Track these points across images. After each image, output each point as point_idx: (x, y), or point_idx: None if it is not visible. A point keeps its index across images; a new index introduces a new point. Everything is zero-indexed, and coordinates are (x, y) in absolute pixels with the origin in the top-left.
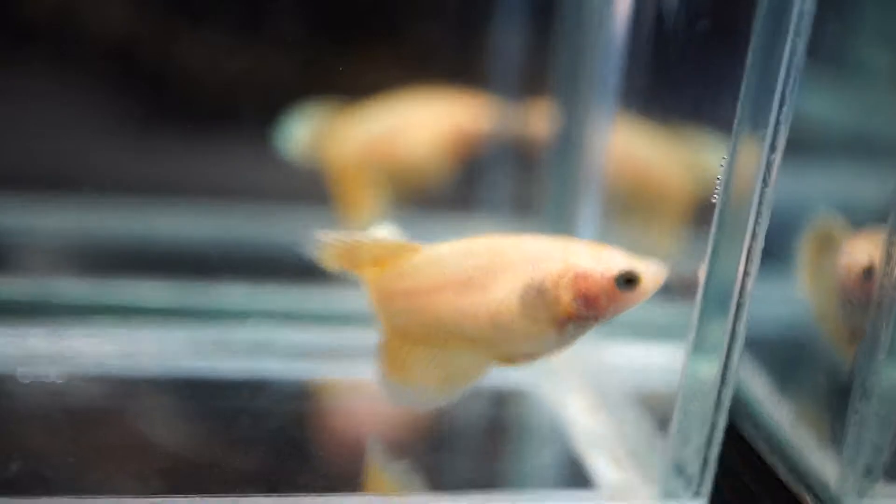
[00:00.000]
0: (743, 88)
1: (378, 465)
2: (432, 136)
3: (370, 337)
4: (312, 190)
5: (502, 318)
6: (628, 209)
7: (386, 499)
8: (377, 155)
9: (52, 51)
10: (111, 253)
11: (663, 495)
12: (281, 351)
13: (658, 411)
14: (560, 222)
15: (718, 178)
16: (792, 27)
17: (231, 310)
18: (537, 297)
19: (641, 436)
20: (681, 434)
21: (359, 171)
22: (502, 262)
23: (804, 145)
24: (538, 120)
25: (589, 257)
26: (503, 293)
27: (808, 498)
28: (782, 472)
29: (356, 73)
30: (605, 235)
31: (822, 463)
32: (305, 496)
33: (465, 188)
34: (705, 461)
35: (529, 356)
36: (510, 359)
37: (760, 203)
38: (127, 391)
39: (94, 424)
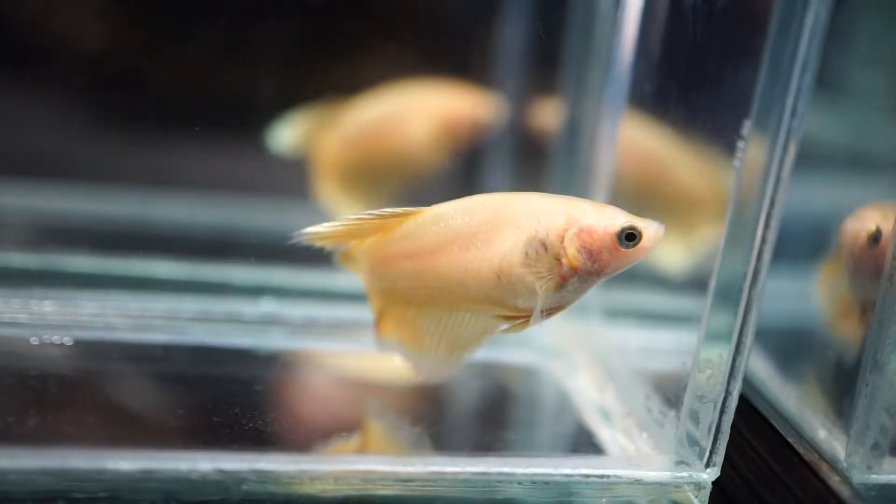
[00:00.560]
0: (758, 85)
1: (389, 431)
2: (426, 124)
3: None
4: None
5: (505, 272)
6: (637, 205)
7: (406, 460)
8: (370, 143)
9: None
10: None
11: (677, 464)
12: (290, 324)
13: (667, 389)
14: None
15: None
16: (807, 27)
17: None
18: (541, 251)
19: (652, 411)
20: (694, 403)
21: (351, 159)
22: (506, 216)
23: (802, 161)
24: (543, 114)
25: (593, 213)
26: (507, 246)
27: (822, 467)
28: (795, 443)
29: (361, 70)
30: None
31: (830, 441)
32: (312, 455)
33: (468, 183)
34: (718, 431)
35: (532, 315)
36: (513, 317)
37: (774, 195)
38: (134, 355)
39: (99, 384)
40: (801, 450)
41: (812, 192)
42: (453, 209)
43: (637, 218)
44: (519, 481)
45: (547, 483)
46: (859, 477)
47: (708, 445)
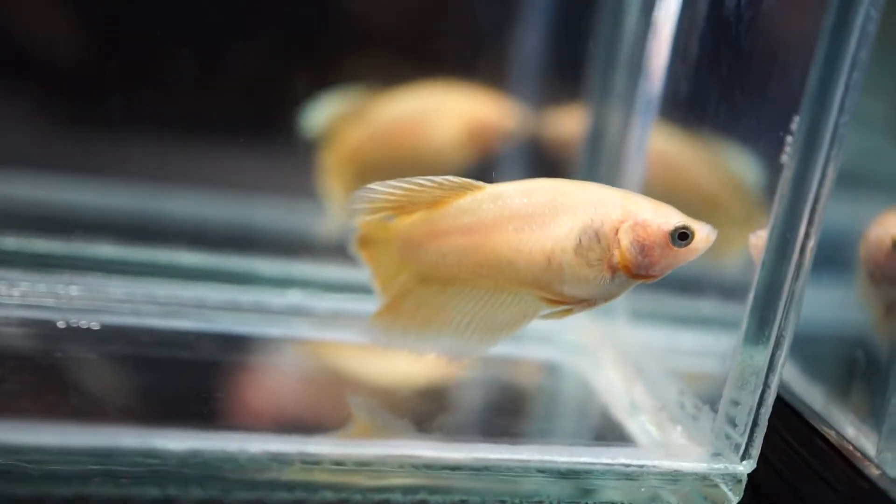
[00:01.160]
0: (808, 83)
1: (420, 418)
2: (453, 125)
3: None
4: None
5: (556, 256)
6: None
7: (448, 445)
8: (394, 138)
9: None
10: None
11: (713, 456)
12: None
13: (701, 385)
14: None
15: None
16: (858, 26)
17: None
18: (594, 240)
19: (686, 406)
20: (731, 396)
21: (371, 152)
22: (565, 202)
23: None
24: (566, 123)
25: (649, 208)
26: (562, 232)
27: (844, 466)
28: (815, 443)
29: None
30: None
31: (859, 439)
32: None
33: None
34: (755, 425)
35: (575, 302)
36: (556, 302)
37: (819, 191)
38: (160, 340)
39: (123, 366)
40: (833, 442)
41: None
42: (513, 189)
43: (691, 219)
44: (560, 469)
45: (588, 472)
46: (893, 472)
47: (744, 438)
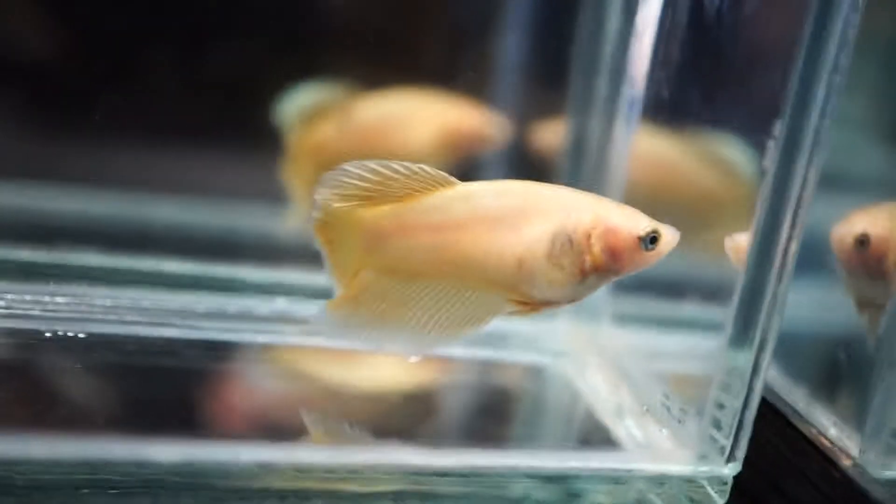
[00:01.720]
0: (790, 87)
1: (403, 426)
2: (427, 131)
3: None
4: None
5: (528, 261)
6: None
7: (431, 451)
8: (367, 139)
9: None
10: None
11: (698, 459)
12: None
13: (686, 388)
14: None
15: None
16: (837, 30)
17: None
18: (567, 245)
19: (672, 409)
20: (717, 400)
21: (341, 151)
22: (537, 205)
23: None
24: (547, 133)
25: (619, 213)
26: (534, 235)
27: (826, 467)
28: (797, 443)
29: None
30: None
31: (841, 439)
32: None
33: None
34: (740, 427)
35: (543, 304)
36: (523, 304)
37: (800, 198)
38: (146, 348)
39: (110, 375)
40: (806, 448)
41: None
42: (483, 189)
43: (657, 222)
44: (548, 475)
45: (577, 477)
46: (874, 472)
47: (729, 441)
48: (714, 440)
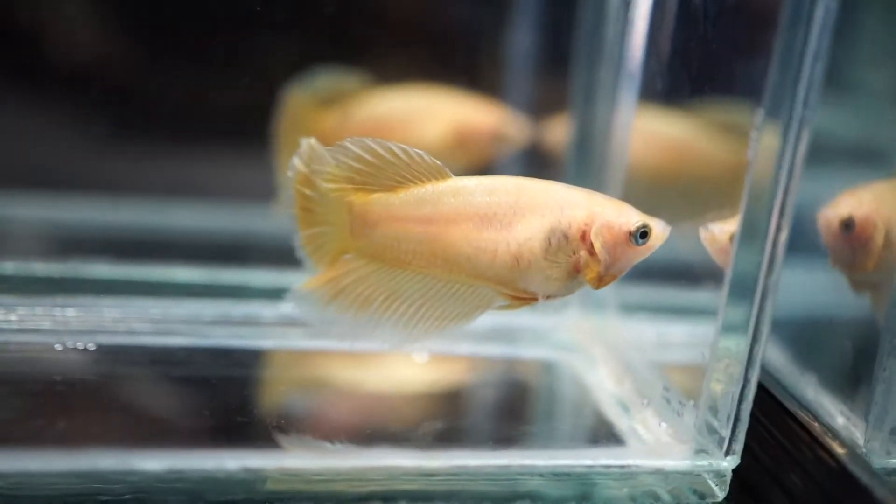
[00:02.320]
0: (770, 76)
1: (410, 427)
2: (437, 128)
3: None
4: None
5: (524, 258)
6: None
7: (429, 454)
8: (378, 136)
9: None
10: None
11: (696, 453)
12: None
13: (685, 380)
14: None
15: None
16: (818, 19)
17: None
18: (563, 241)
19: (671, 402)
20: (712, 392)
21: None
22: (529, 202)
23: (813, 156)
24: (554, 128)
25: (611, 209)
26: (528, 233)
27: (833, 456)
28: (805, 433)
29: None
30: None
31: (848, 428)
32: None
33: None
34: (737, 420)
35: (535, 298)
36: (516, 298)
37: (787, 186)
38: (155, 358)
39: (119, 387)
40: (814, 438)
41: (824, 186)
42: (475, 185)
43: (647, 216)
44: (540, 473)
45: (568, 475)
46: (879, 462)
47: (727, 434)
48: (712, 433)
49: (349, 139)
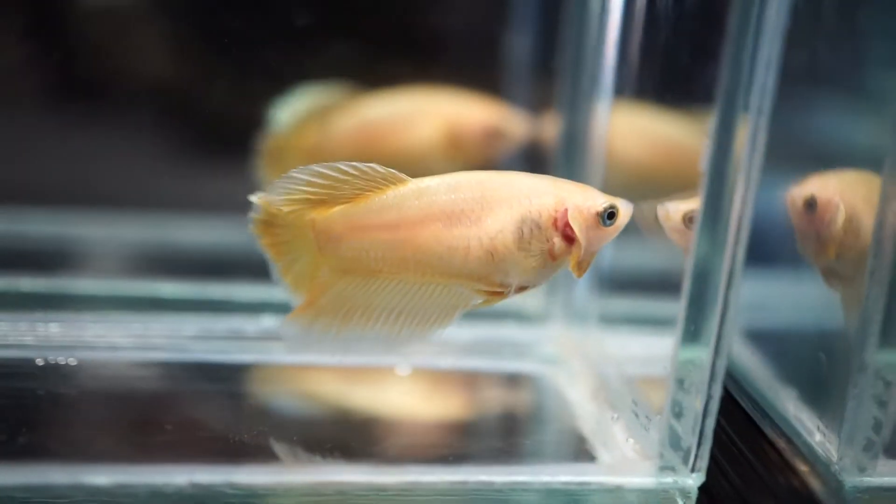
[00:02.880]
0: (721, 84)
1: (375, 440)
2: (431, 129)
3: None
4: None
5: (500, 251)
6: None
7: (383, 469)
8: (372, 141)
9: None
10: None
11: (661, 470)
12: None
13: (652, 394)
14: None
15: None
16: (767, 25)
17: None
18: (536, 230)
19: (639, 416)
20: (676, 409)
21: (345, 154)
22: (495, 195)
23: (827, 162)
24: (544, 125)
25: (578, 193)
26: (499, 225)
27: (808, 472)
28: (783, 449)
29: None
30: None
31: (825, 444)
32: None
33: None
34: (701, 436)
35: (512, 289)
36: (492, 293)
37: (745, 193)
38: (137, 373)
39: (102, 402)
40: (792, 454)
41: None
42: (437, 185)
43: (612, 197)
44: (497, 489)
45: (526, 491)
46: (851, 480)
47: (693, 450)
48: (676, 450)
49: (296, 169)
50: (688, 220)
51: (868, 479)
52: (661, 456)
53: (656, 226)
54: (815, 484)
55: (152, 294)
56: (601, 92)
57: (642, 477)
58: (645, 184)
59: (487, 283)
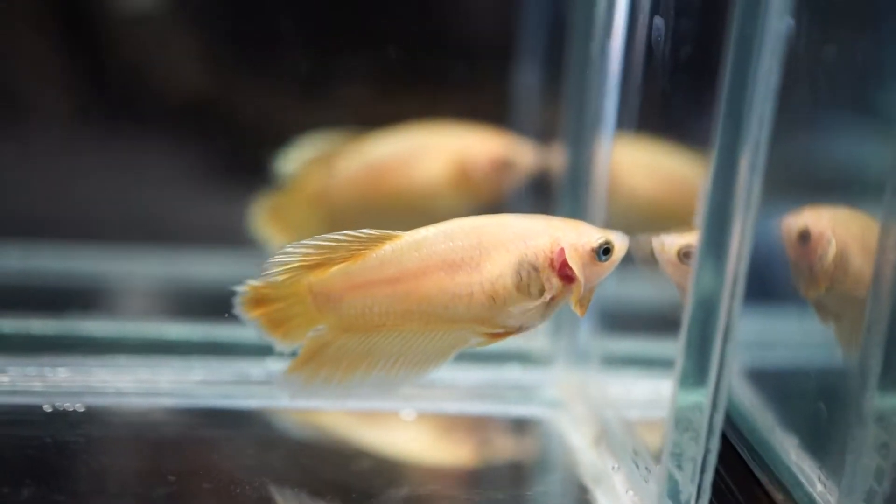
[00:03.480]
0: (716, 135)
1: (388, 488)
2: (438, 164)
3: None
4: None
5: (500, 295)
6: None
7: None
8: (378, 181)
9: None
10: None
11: None
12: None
13: (652, 444)
14: None
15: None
16: (767, 45)
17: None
18: (533, 272)
19: (639, 467)
20: (674, 460)
21: (350, 197)
22: (492, 240)
23: (842, 187)
24: (553, 155)
25: (572, 231)
26: (498, 269)
27: None
28: (781, 501)
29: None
30: None
31: (825, 496)
32: None
33: None
34: (700, 489)
35: (513, 330)
36: (492, 334)
37: (744, 223)
38: (144, 420)
39: (110, 450)
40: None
41: None
42: (433, 235)
43: (606, 231)
44: None
45: None
46: None
47: (691, 501)
48: (674, 500)
49: (289, 245)
50: (682, 254)
51: None
52: None
53: (652, 259)
54: None
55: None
56: (604, 127)
57: None
58: (647, 214)
59: (490, 326)
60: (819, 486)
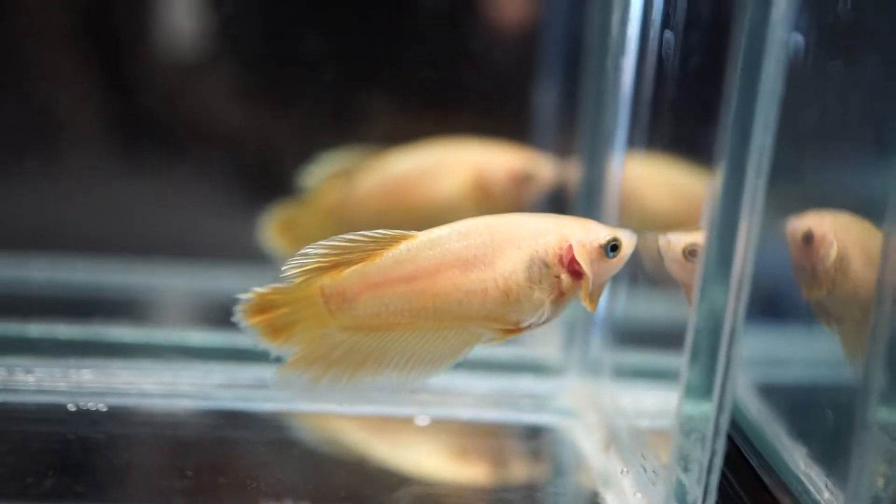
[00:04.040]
0: (723, 145)
1: (398, 491)
2: (457, 178)
3: None
4: None
5: (513, 291)
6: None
7: None
8: (397, 196)
9: None
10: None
11: None
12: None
13: (660, 447)
14: None
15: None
16: (765, 89)
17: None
18: (543, 268)
19: (647, 470)
20: (680, 463)
21: (370, 212)
22: (504, 237)
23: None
24: (569, 169)
25: (580, 229)
26: (511, 266)
27: None
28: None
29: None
30: None
31: (832, 502)
32: None
33: None
34: (706, 490)
35: (526, 327)
36: (505, 330)
37: (748, 235)
38: (164, 420)
39: (130, 446)
40: None
41: None
42: (447, 233)
43: (613, 228)
44: None
45: None
46: None
47: None
48: (681, 502)
49: (308, 247)
50: (688, 252)
51: None
52: None
53: (658, 257)
54: None
55: (182, 342)
56: (617, 142)
57: None
58: (658, 229)
59: (503, 323)
60: (826, 494)
